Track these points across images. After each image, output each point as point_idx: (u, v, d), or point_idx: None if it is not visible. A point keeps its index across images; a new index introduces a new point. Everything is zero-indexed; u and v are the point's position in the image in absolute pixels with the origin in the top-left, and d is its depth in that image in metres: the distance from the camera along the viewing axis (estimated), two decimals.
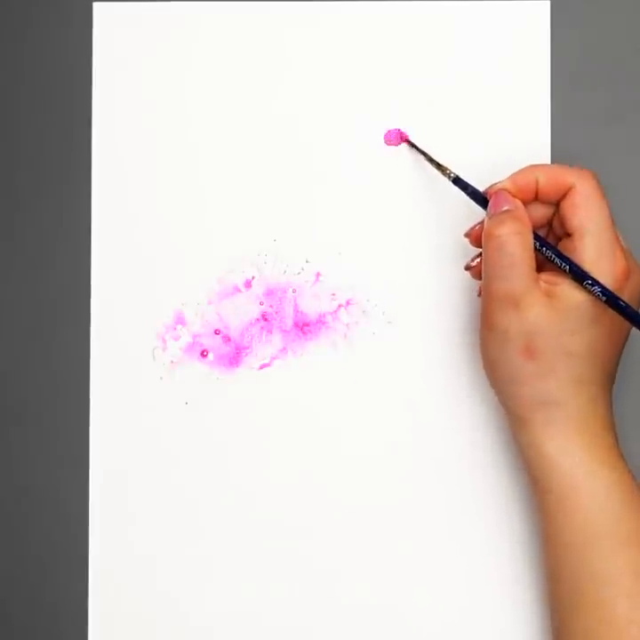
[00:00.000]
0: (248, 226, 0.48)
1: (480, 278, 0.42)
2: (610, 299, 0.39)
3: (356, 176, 0.48)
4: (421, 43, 0.48)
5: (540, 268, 0.41)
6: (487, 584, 0.47)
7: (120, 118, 0.49)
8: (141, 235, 0.48)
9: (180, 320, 0.48)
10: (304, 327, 0.48)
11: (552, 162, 0.47)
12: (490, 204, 0.42)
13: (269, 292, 0.48)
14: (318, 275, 0.48)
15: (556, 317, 0.40)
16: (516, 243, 0.40)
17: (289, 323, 0.48)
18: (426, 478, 0.47)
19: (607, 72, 0.48)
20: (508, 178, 0.42)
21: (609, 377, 0.41)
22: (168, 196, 0.48)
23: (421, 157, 0.47)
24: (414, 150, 0.47)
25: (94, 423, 0.48)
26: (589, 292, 0.39)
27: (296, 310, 0.48)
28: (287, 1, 0.48)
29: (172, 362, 0.48)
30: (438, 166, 0.46)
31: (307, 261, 0.48)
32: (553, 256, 0.41)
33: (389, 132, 0.48)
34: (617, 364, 0.42)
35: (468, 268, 0.44)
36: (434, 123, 0.48)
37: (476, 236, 0.43)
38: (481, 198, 0.43)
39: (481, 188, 0.43)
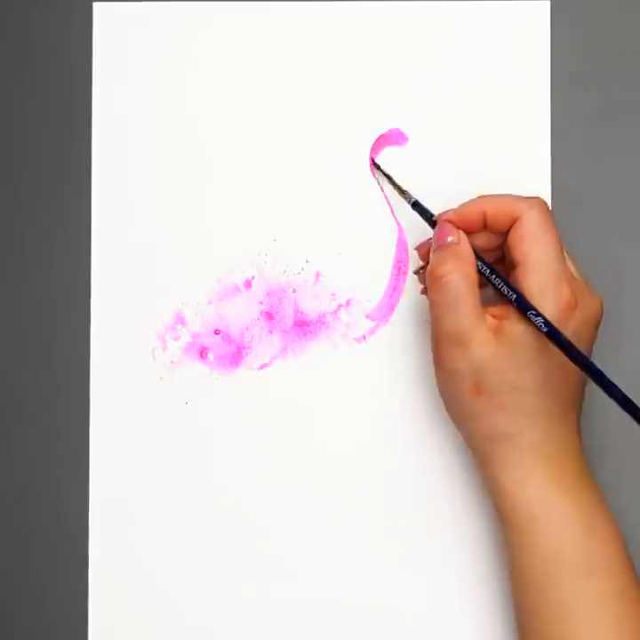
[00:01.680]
0: (248, 226, 0.48)
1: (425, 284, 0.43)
2: (551, 331, 0.38)
3: (357, 176, 0.48)
4: (421, 43, 0.48)
5: (492, 301, 0.41)
6: (476, 584, 0.47)
7: (120, 118, 0.49)
8: (141, 235, 0.48)
9: (180, 320, 0.48)
10: (304, 327, 0.48)
11: (552, 162, 0.48)
12: (434, 235, 0.42)
13: (269, 292, 0.48)
14: (318, 275, 0.48)
15: (502, 354, 0.39)
16: (458, 281, 0.40)
17: (289, 323, 0.48)
18: (426, 478, 0.47)
19: (607, 72, 0.48)
20: (454, 209, 0.42)
21: (567, 406, 0.41)
22: (168, 196, 0.48)
23: (420, 159, 0.47)
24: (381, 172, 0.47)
25: (94, 423, 0.48)
26: (533, 323, 0.39)
27: (296, 310, 0.48)
28: (287, 1, 0.48)
29: (171, 362, 0.48)
30: (400, 191, 0.46)
31: (307, 261, 0.48)
32: (502, 285, 0.40)
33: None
34: (578, 392, 0.41)
35: (416, 272, 0.45)
36: (434, 123, 0.48)
37: (424, 251, 0.44)
38: (435, 224, 0.43)
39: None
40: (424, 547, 0.47)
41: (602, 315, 0.41)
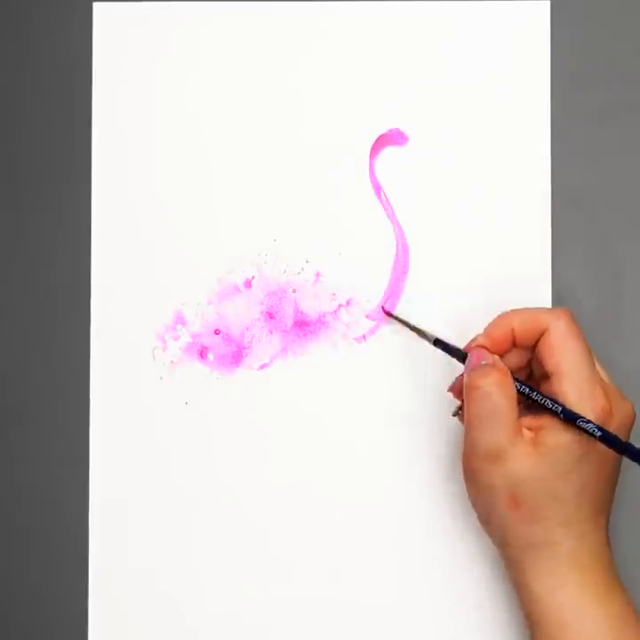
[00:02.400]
0: (248, 226, 0.48)
1: None
2: (605, 435, 0.39)
3: (357, 176, 0.48)
4: (421, 43, 0.48)
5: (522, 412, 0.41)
6: (476, 586, 0.47)
7: (120, 118, 0.49)
8: (141, 235, 0.48)
9: (180, 320, 0.48)
10: (304, 327, 0.48)
11: (552, 162, 0.48)
12: (467, 361, 0.42)
13: (269, 293, 0.48)
14: (318, 275, 0.48)
15: (541, 464, 0.39)
16: (499, 393, 0.40)
17: (289, 323, 0.48)
18: (426, 477, 0.47)
19: (607, 72, 0.48)
20: (483, 333, 0.42)
21: (600, 512, 0.41)
22: (168, 196, 0.48)
23: (420, 159, 0.47)
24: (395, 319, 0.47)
25: (94, 423, 0.48)
26: (583, 430, 0.39)
27: (296, 310, 0.48)
28: (287, 1, 0.48)
29: (171, 362, 0.48)
30: (419, 332, 0.45)
31: (307, 261, 0.48)
32: (544, 400, 0.40)
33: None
34: (610, 497, 0.42)
35: (455, 414, 0.44)
36: (434, 123, 0.48)
37: (459, 390, 0.43)
38: (462, 356, 0.43)
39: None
40: (422, 547, 0.47)
41: (634, 417, 0.42)
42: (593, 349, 0.41)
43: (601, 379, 0.41)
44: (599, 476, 0.40)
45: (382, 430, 0.47)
